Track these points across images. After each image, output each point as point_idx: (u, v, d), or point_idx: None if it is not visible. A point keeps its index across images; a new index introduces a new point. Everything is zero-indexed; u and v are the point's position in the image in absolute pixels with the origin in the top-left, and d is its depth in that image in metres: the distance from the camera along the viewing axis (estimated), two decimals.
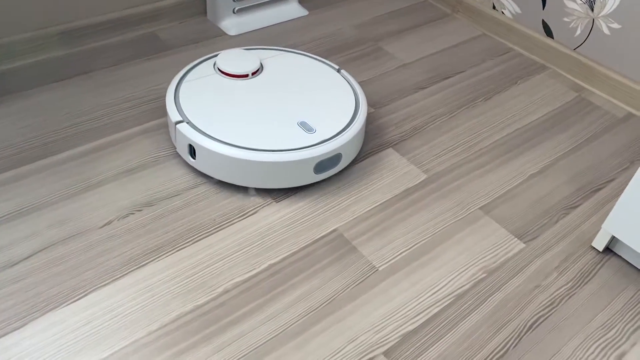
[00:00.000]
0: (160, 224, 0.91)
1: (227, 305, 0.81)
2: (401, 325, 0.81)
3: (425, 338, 0.80)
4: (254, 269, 0.86)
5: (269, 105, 1.02)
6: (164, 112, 1.13)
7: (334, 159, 0.98)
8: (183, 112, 0.99)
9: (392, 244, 0.92)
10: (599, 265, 0.92)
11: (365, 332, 0.80)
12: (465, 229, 0.96)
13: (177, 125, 0.97)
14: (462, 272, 0.89)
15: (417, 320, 0.82)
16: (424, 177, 1.05)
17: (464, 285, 0.87)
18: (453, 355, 0.78)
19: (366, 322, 0.81)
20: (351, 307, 0.82)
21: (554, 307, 0.85)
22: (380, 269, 0.88)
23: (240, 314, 0.80)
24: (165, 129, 1.09)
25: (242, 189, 0.98)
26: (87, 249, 0.86)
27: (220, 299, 0.82)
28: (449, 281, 0.87)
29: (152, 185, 0.98)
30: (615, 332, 0.83)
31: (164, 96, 1.16)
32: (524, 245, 0.94)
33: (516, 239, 0.95)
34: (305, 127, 0.98)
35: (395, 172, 1.05)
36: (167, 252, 0.87)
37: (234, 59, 1.09)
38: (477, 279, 0.88)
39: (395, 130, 1.15)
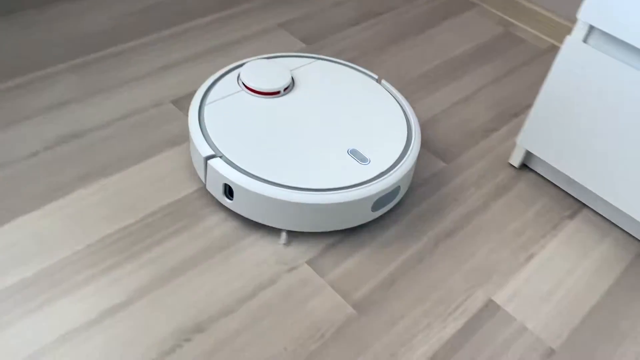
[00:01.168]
0: (87, 153, 0.91)
1: (153, 226, 0.83)
2: (324, 239, 0.84)
3: (346, 248, 0.83)
4: (181, 193, 0.88)
5: (311, 130, 0.87)
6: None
7: (393, 192, 0.85)
8: (213, 143, 0.83)
9: None
10: (514, 180, 0.97)
11: (291, 245, 0.83)
12: None
13: (209, 162, 0.82)
14: None
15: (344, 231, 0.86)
16: None
17: None
18: (370, 263, 0.82)
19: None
20: None
21: (470, 217, 0.90)
22: None
23: (166, 233, 0.82)
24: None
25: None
26: (12, 178, 0.86)
27: (147, 221, 0.83)
28: None
29: (79, 117, 0.97)
30: (526, 238, 0.88)
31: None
32: (445, 164, 0.99)
33: (438, 159, 0.99)
34: (357, 156, 0.84)
35: None
36: (95, 179, 0.88)
37: (260, 71, 0.93)
38: None
39: None
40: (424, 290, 0.79)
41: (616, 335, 0.77)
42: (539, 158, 0.96)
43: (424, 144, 1.02)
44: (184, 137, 0.97)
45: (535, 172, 0.99)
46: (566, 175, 0.94)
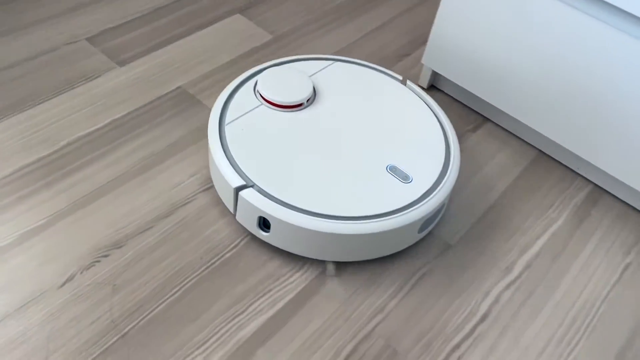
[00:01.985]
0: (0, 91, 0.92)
1: (69, 156, 0.84)
2: None
3: None
4: (97, 124, 0.90)
5: (344, 146, 0.79)
6: None
7: (439, 210, 0.79)
8: (242, 172, 0.74)
9: None
10: None
11: (207, 167, 0.86)
12: None
13: (241, 193, 0.74)
14: None
15: None
16: (269, 37, 1.10)
17: None
18: None
19: (208, 159, 0.87)
20: (194, 148, 0.88)
21: None
22: None
23: (83, 162, 0.84)
24: None
25: None
26: None
27: (63, 151, 0.85)
28: None
29: None
30: None
31: None
32: None
33: None
34: (398, 174, 0.77)
35: (242, 34, 1.09)
36: (9, 114, 0.88)
37: (279, 81, 0.84)
38: None
39: None
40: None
41: (509, 229, 0.84)
42: (445, 77, 1.02)
43: None
44: (99, 71, 0.98)
45: (443, 92, 1.05)
46: (469, 92, 1.00)
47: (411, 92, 0.88)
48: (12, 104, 0.90)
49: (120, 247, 0.75)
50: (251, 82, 0.86)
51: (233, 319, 0.70)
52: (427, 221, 0.77)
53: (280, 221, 0.71)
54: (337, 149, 0.78)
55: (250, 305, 0.71)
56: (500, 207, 0.87)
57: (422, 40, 1.15)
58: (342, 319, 0.71)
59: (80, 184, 0.81)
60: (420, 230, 0.77)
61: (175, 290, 0.71)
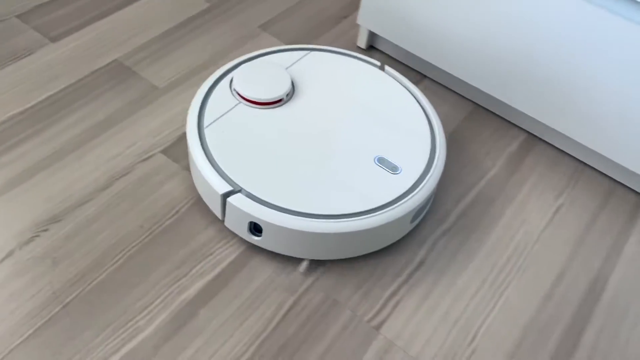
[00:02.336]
0: None
1: (2, 135, 0.84)
2: (179, 128, 0.88)
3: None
4: (31, 101, 0.89)
5: (329, 141, 0.77)
6: None
7: (428, 199, 0.77)
8: (228, 177, 0.72)
9: (173, 65, 0.97)
10: None
11: (145, 138, 0.86)
12: (246, 44, 1.03)
13: (229, 199, 0.71)
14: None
15: None
16: (206, 5, 1.09)
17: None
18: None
19: (145, 129, 0.87)
20: (131, 120, 0.88)
21: None
22: (160, 87, 0.94)
23: (18, 139, 0.83)
24: None
25: None
26: None
27: None
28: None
29: None
30: None
31: None
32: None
33: (281, 43, 1.04)
34: (386, 165, 0.75)
35: (177, 4, 1.08)
36: None
37: (255, 76, 0.81)
38: None
39: None
40: None
41: (445, 179, 0.87)
42: (382, 37, 1.03)
43: (278, 36, 1.06)
44: (32, 49, 0.96)
45: (381, 51, 1.06)
46: (406, 50, 1.01)
47: (390, 77, 0.86)
48: None
49: (59, 221, 0.75)
50: (226, 80, 0.82)
51: (175, 282, 0.71)
52: (419, 210, 0.76)
53: (273, 225, 0.69)
54: (322, 144, 0.76)
55: (192, 268, 0.72)
56: None
57: (359, 2, 1.15)
58: (283, 275, 0.73)
59: (16, 162, 0.80)
60: (413, 220, 0.76)
61: (116, 259, 0.72)
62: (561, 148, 0.93)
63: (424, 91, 0.99)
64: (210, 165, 0.72)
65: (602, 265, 0.79)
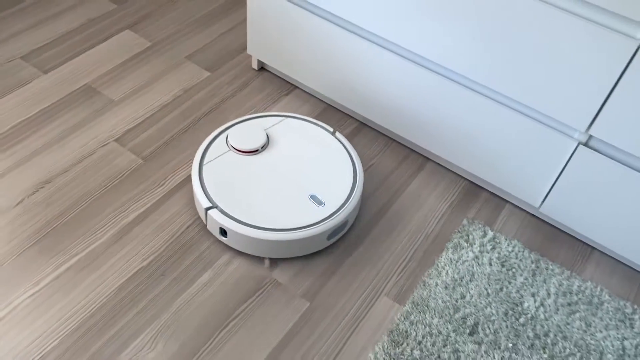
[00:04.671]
0: None
1: (13, 134, 1.31)
2: (127, 126, 1.36)
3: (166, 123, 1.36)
4: (31, 113, 1.37)
5: (282, 180, 1.15)
6: None
7: (343, 225, 1.14)
8: (211, 197, 1.11)
9: (125, 86, 1.45)
10: (255, 78, 1.52)
11: (103, 133, 1.34)
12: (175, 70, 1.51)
13: (209, 212, 1.10)
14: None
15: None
16: (149, 44, 1.58)
17: None
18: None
19: (104, 128, 1.35)
20: (95, 121, 1.36)
21: (223, 102, 1.44)
22: (115, 100, 1.42)
23: (23, 137, 1.31)
24: None
25: None
26: None
27: None
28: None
29: None
30: (259, 108, 1.44)
31: None
32: (210, 73, 1.52)
33: (206, 70, 1.52)
34: (315, 200, 1.12)
35: (129, 44, 1.57)
36: None
37: (243, 133, 1.20)
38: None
39: None
40: None
41: None
42: (267, 63, 1.51)
43: (199, 62, 1.54)
44: (30, 80, 1.44)
45: (268, 70, 1.54)
46: (278, 70, 1.49)
47: (336, 140, 1.24)
48: None
49: (50, 182, 1.23)
50: (224, 135, 1.23)
51: (120, 213, 1.18)
52: (333, 232, 1.11)
53: (235, 232, 1.08)
54: (276, 182, 1.14)
55: (131, 205, 1.20)
56: None
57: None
58: (236, 262, 1.21)
59: (22, 150, 1.29)
60: (329, 238, 1.12)
61: (81, 205, 1.20)
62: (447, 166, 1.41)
63: (294, 97, 1.47)
64: (201, 189, 1.13)
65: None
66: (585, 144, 1.07)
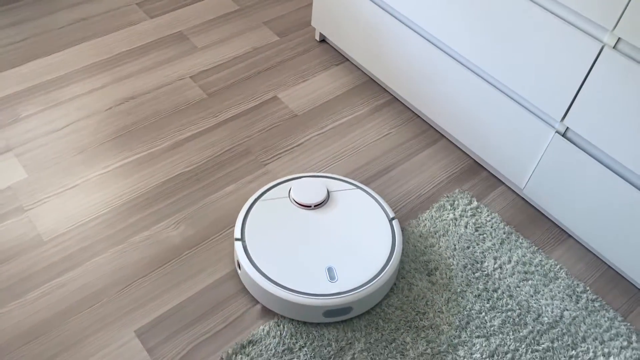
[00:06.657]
0: None
1: (109, 63, 1.67)
2: (208, 64, 1.67)
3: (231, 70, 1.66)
4: (136, 44, 1.72)
5: (311, 241, 1.12)
6: None
7: (345, 309, 1.06)
8: (244, 229, 1.14)
9: (215, 32, 1.76)
10: (314, 47, 1.77)
11: (187, 69, 1.66)
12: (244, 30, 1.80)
13: (235, 242, 1.13)
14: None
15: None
16: (237, 7, 1.88)
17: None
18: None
19: (189, 64, 1.67)
20: (180, 59, 1.68)
21: (283, 62, 1.71)
22: (199, 47, 1.73)
23: (102, 75, 1.66)
24: None
25: None
26: None
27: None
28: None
29: None
30: (308, 73, 1.69)
31: None
32: (279, 38, 1.79)
33: (275, 35, 1.80)
34: (330, 273, 1.07)
35: (220, 3, 1.88)
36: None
37: (307, 187, 1.19)
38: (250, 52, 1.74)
39: None
40: None
41: (323, 110, 1.58)
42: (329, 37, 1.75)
43: (269, 25, 1.82)
44: (139, 22, 1.79)
45: (327, 43, 1.79)
46: (337, 44, 1.73)
47: (390, 227, 1.16)
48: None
49: (134, 98, 1.56)
50: (288, 183, 1.23)
51: (179, 130, 1.49)
52: (330, 312, 1.05)
53: (243, 270, 1.10)
54: (307, 240, 1.12)
55: (188, 126, 1.50)
56: (328, 105, 1.61)
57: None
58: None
59: (124, 81, 1.64)
60: (327, 315, 1.06)
61: (152, 119, 1.52)
62: (413, 110, 1.60)
63: (344, 69, 1.70)
64: (241, 220, 1.17)
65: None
66: (563, 135, 1.21)
